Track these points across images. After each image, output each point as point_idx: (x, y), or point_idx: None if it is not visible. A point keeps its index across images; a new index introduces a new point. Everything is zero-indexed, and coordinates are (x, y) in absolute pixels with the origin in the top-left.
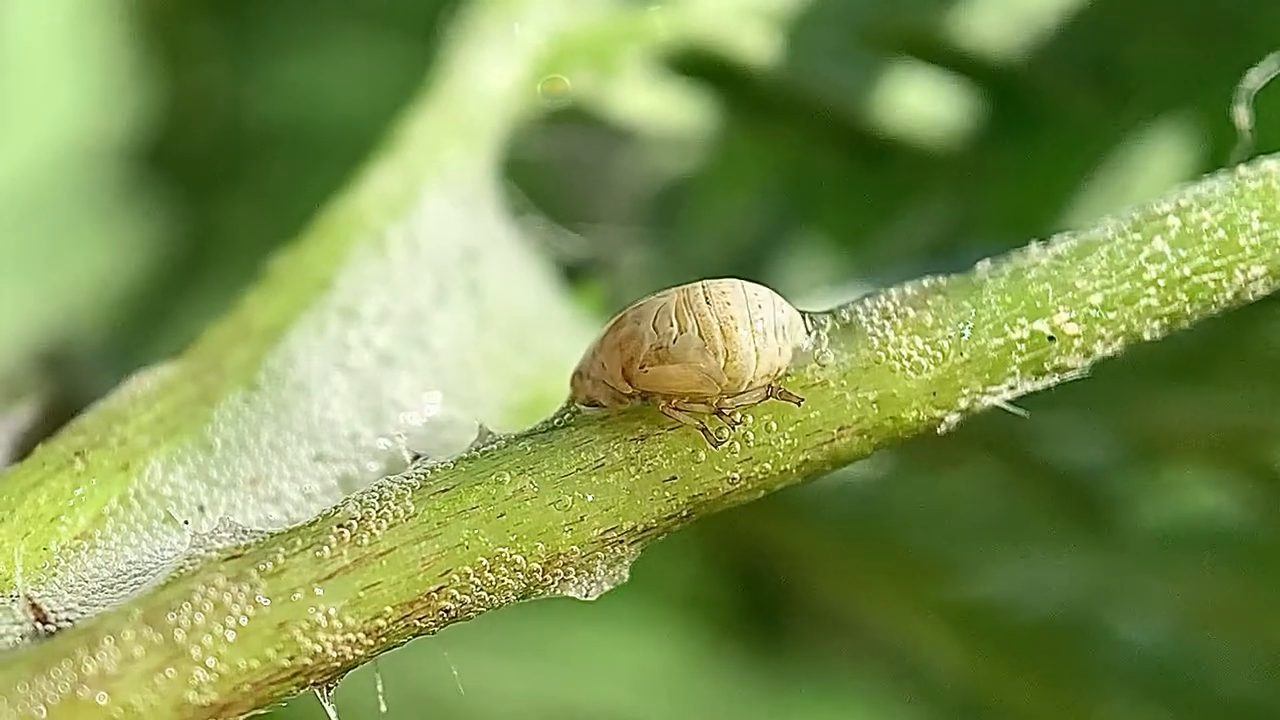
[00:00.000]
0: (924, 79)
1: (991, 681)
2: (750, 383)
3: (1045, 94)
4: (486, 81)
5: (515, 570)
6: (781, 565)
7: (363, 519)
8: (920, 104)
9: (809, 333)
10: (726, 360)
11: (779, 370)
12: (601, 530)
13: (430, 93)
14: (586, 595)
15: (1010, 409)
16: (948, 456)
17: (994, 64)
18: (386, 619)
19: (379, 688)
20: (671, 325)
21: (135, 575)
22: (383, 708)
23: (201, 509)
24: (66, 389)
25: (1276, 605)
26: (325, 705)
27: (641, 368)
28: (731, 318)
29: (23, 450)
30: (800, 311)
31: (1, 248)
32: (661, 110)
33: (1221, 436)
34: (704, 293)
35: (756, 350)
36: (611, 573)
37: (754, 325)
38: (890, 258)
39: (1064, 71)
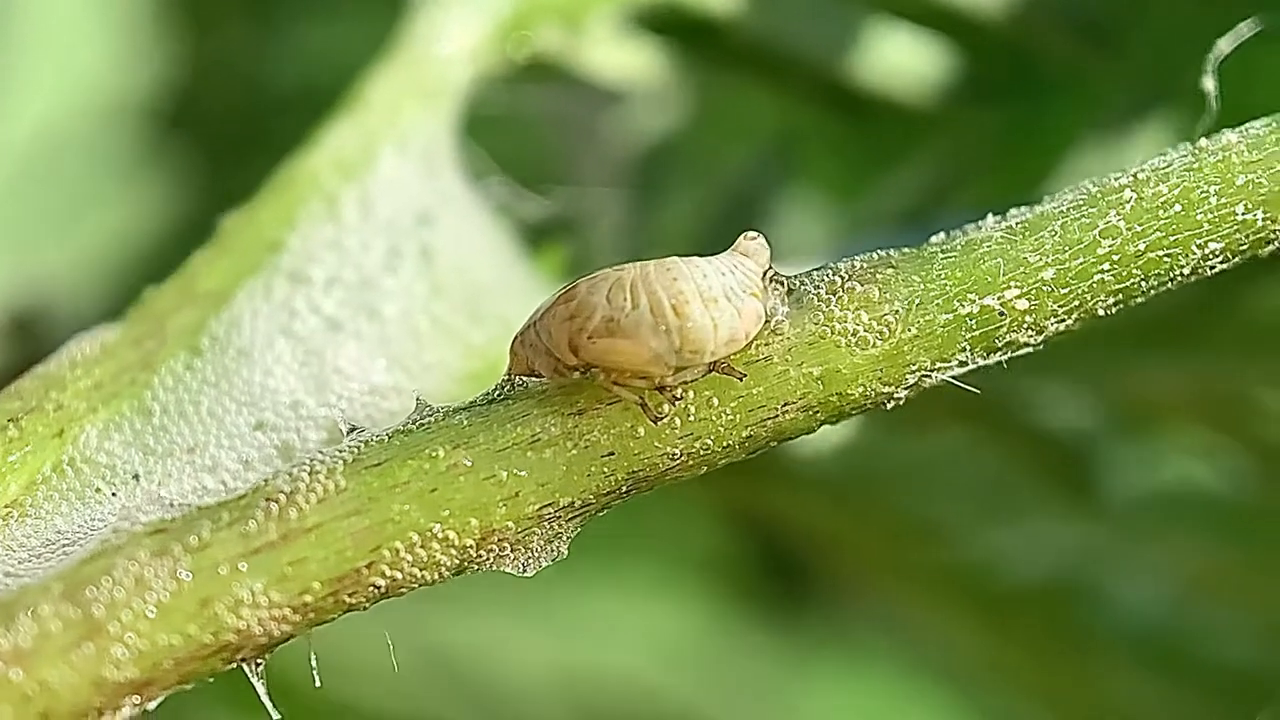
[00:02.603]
0: (911, 37)
1: (984, 646)
2: (713, 353)
3: (1037, 55)
4: (450, 40)
5: (448, 546)
6: (789, 530)
7: (291, 493)
8: (907, 62)
9: (772, 294)
10: (682, 339)
11: (746, 335)
12: (537, 506)
13: (393, 51)
14: (524, 571)
15: (963, 386)
16: (941, 424)
17: (983, 23)
18: (314, 595)
19: (313, 663)
20: (625, 300)
21: (64, 545)
22: (317, 683)
23: (136, 477)
24: (35, 353)
25: (1263, 571)
26: (254, 681)
27: (590, 339)
28: (680, 292)
29: None
30: (763, 272)
31: (15, 208)
32: (640, 69)
33: (1208, 403)
34: (653, 271)
35: (713, 320)
36: (549, 549)
37: (703, 294)
38: (875, 220)
39: (1056, 32)
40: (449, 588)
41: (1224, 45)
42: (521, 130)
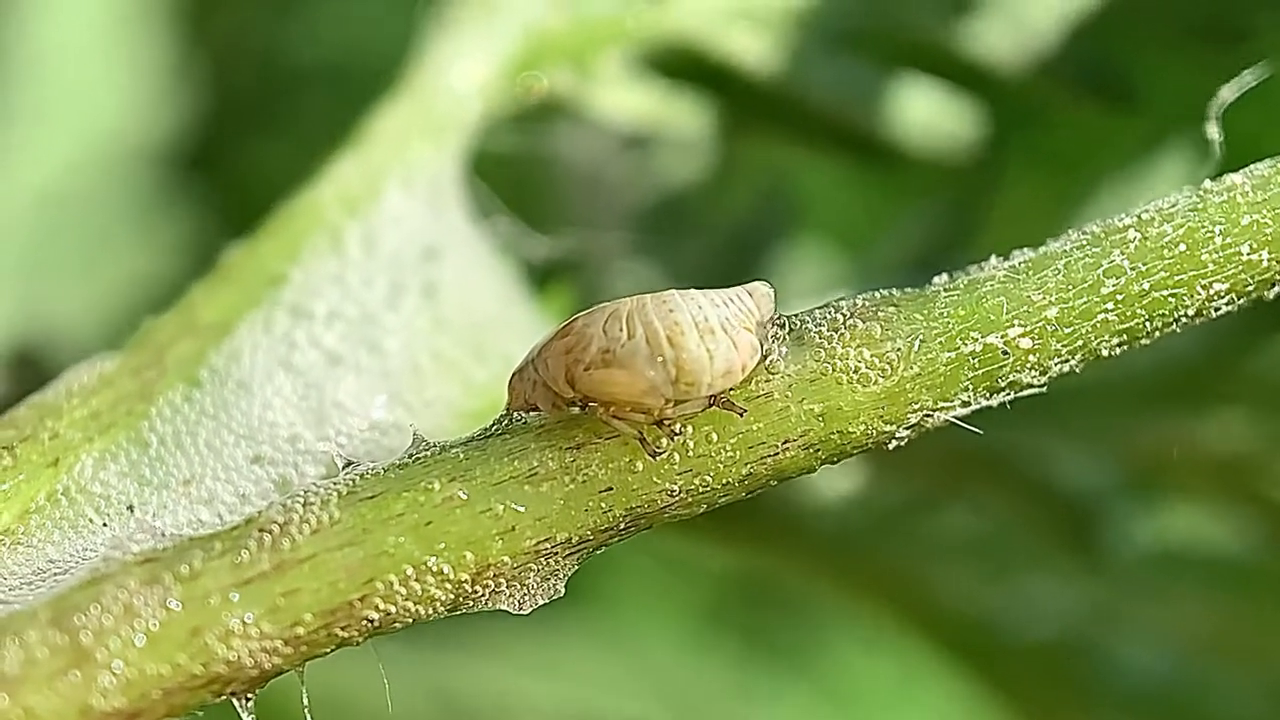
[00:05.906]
0: (926, 87)
1: (986, 702)
2: (710, 385)
3: (1050, 104)
4: (459, 77)
5: (443, 580)
6: (791, 580)
7: (285, 524)
8: (922, 112)
9: (766, 333)
10: (678, 369)
11: (743, 368)
12: (534, 541)
13: (401, 86)
14: (519, 608)
15: (966, 426)
16: (946, 478)
17: (997, 73)
18: (306, 627)
19: (304, 700)
20: (621, 330)
21: (55, 574)
22: (307, 718)
23: (130, 508)
24: (38, 388)
25: (1269, 632)
26: (243, 715)
27: (586, 370)
28: (676, 323)
29: None
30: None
31: (31, 248)
32: (651, 114)
33: (1218, 463)
34: (650, 303)
35: (709, 351)
36: (546, 586)
37: (699, 325)
38: (887, 269)
39: (1069, 82)
40: (454, 633)
41: (1227, 93)
42: (530, 171)
